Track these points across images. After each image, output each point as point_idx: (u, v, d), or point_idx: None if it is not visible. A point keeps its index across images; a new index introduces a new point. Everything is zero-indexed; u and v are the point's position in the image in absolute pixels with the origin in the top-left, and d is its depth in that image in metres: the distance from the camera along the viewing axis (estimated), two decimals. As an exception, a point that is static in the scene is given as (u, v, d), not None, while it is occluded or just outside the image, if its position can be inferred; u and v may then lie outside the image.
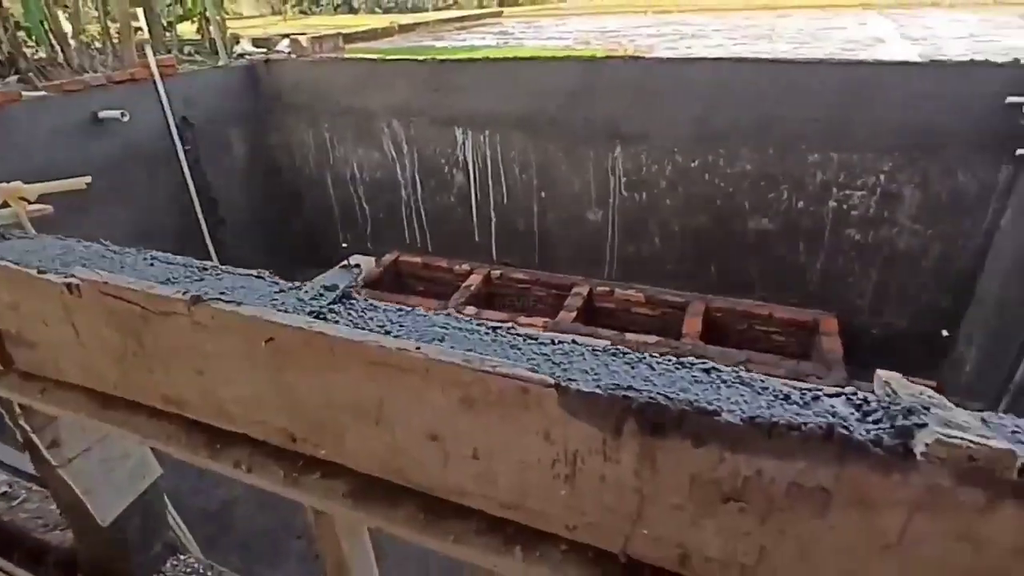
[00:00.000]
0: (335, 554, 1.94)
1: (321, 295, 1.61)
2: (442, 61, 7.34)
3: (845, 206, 6.19)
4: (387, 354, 1.31)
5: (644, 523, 1.23)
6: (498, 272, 8.14)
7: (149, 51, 7.22)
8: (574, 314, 7.19)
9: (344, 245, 8.38)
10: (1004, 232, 5.62)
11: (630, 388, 1.11)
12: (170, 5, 16.24)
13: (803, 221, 6.25)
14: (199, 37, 16.40)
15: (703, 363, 1.22)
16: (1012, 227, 5.56)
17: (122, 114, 6.47)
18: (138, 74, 7.05)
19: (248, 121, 7.96)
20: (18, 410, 2.17)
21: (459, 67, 7.42)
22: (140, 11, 14.85)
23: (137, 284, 1.62)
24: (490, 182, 7.61)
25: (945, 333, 6.35)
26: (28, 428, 2.20)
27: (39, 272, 1.78)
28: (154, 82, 7.04)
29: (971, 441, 0.89)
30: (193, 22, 16.31)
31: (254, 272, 1.80)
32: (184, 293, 1.54)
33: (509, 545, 1.38)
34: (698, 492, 1.13)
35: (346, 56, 8.40)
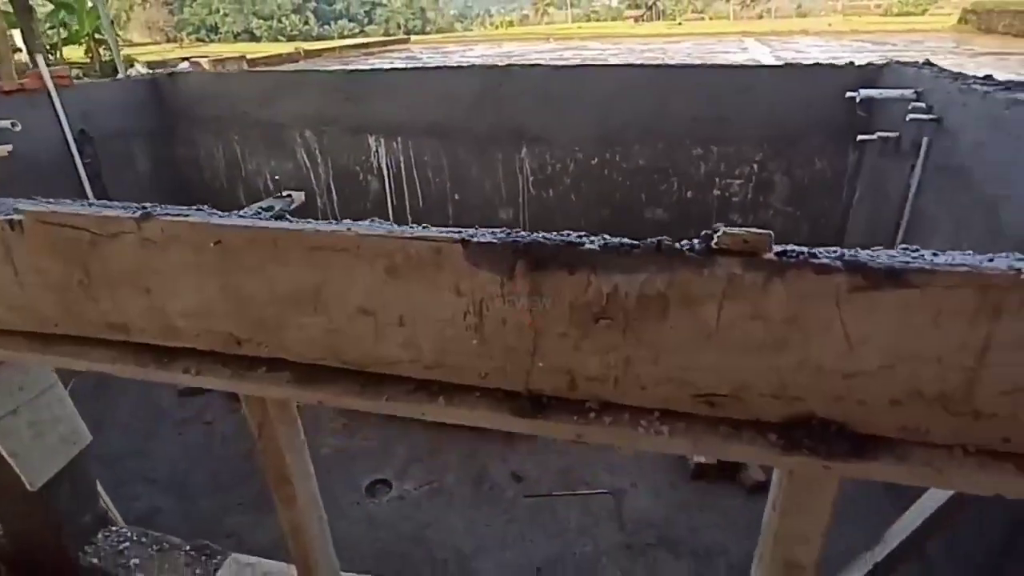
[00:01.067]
0: (277, 465, 2.13)
1: (259, 214, 1.84)
2: (351, 71, 7.60)
3: (727, 194, 7.01)
4: (323, 237, 1.57)
5: (539, 356, 1.56)
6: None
7: (41, 61, 6.98)
8: (493, 307, 7.56)
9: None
10: (855, 210, 6.57)
11: (519, 235, 1.44)
12: (53, 28, 15.45)
13: (692, 209, 7.01)
14: (88, 60, 15.64)
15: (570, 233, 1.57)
16: (859, 205, 6.52)
17: (12, 124, 6.24)
18: (29, 84, 6.80)
19: (153, 135, 7.80)
20: (-54, 364, 2.21)
21: (369, 76, 7.71)
22: (17, 32, 13.96)
23: (85, 209, 1.79)
24: (405, 187, 7.91)
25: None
26: (-44, 384, 2.24)
27: (-23, 212, 1.90)
28: (48, 93, 6.81)
29: (745, 231, 1.28)
30: (81, 44, 15.54)
31: (193, 207, 1.99)
32: (134, 212, 1.73)
33: (434, 398, 1.67)
34: (576, 316, 1.47)
35: (254, 69, 8.43)
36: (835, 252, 1.32)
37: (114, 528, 2.96)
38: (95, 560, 2.78)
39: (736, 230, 1.28)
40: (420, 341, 1.64)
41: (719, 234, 1.28)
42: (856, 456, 1.38)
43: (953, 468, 1.35)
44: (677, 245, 1.34)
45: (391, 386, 1.71)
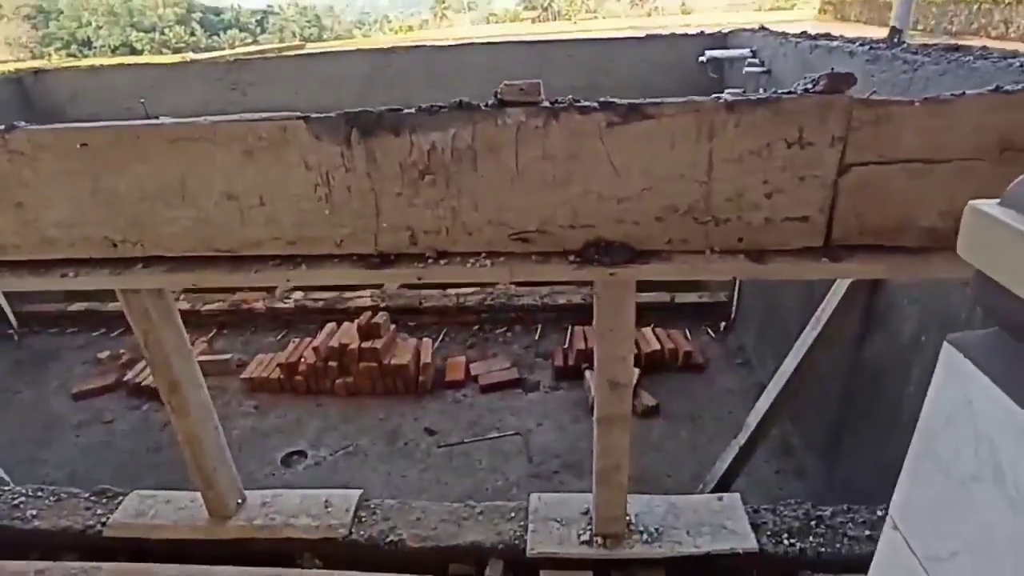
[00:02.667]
0: (166, 373, 2.29)
1: (124, 127, 2.00)
2: (234, 60, 7.55)
3: (608, 158, 7.64)
4: (182, 128, 1.78)
5: (383, 217, 1.85)
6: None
7: None
8: (398, 283, 7.81)
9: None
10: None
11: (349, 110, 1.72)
12: None
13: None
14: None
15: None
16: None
17: None
18: None
19: (22, 138, 7.41)
20: None
21: (254, 64, 7.69)
22: None
23: (-53, 128, 1.90)
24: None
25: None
26: None
27: None
28: None
29: (520, 82, 1.63)
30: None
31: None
32: (-3, 125, 1.86)
33: (297, 266, 1.92)
34: (406, 176, 1.77)
35: (131, 62, 8.16)
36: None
37: (6, 488, 2.97)
38: (-11, 515, 2.79)
39: (514, 82, 1.62)
40: (280, 217, 1.88)
41: (501, 87, 1.62)
42: (633, 262, 1.76)
43: (704, 263, 1.76)
44: (474, 102, 1.67)
45: (259, 263, 1.94)
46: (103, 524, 2.66)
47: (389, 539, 2.55)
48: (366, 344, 5.96)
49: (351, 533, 2.56)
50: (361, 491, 2.77)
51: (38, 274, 2.03)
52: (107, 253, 2.01)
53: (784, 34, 5.44)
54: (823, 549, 2.40)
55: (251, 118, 1.75)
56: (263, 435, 5.73)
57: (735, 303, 6.58)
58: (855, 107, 1.57)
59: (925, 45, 3.29)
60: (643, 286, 7.14)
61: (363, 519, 2.65)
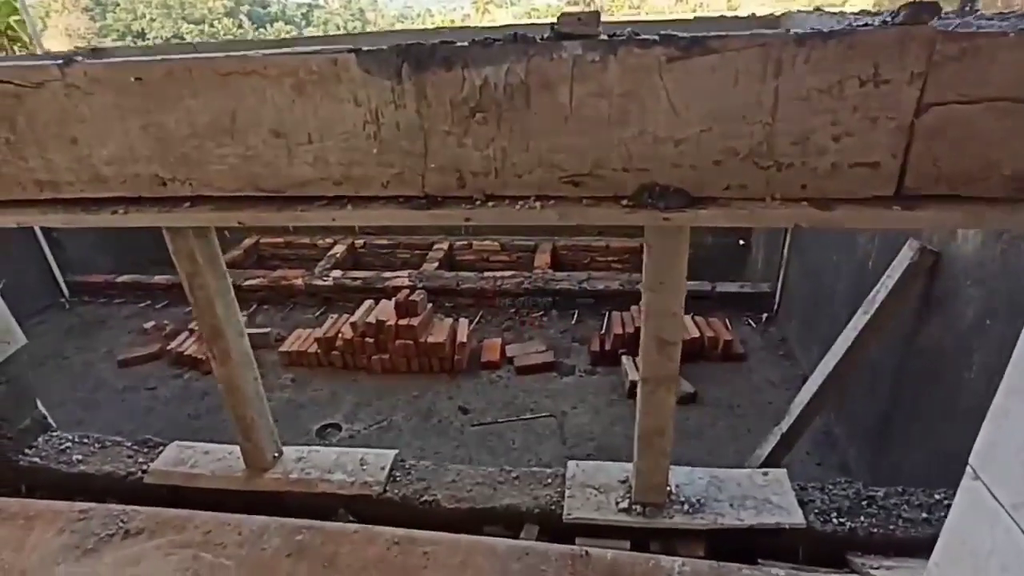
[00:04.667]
0: (210, 319, 2.31)
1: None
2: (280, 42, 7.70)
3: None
4: (233, 62, 1.77)
5: (431, 157, 1.81)
6: (361, 241, 8.52)
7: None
8: (436, 264, 7.79)
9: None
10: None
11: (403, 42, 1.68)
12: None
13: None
14: None
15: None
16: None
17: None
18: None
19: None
20: None
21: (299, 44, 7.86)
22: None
23: (8, 62, 1.94)
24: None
25: (741, 242, 7.77)
26: None
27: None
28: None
29: (581, 12, 1.56)
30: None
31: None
32: (56, 60, 1.89)
33: (343, 207, 1.89)
34: (457, 113, 1.73)
35: (182, 43, 8.40)
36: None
37: (55, 433, 3.05)
38: (37, 460, 2.86)
39: (572, 11, 1.56)
40: (328, 156, 1.86)
41: (558, 17, 1.56)
42: (689, 207, 1.69)
43: (764, 210, 1.67)
44: (530, 35, 1.61)
45: (304, 203, 1.92)
46: (144, 471, 2.70)
47: (423, 499, 2.53)
48: (403, 321, 5.98)
49: (385, 491, 2.54)
50: (397, 451, 2.76)
51: (91, 211, 2.06)
52: (156, 192, 2.02)
53: (842, 13, 5.24)
54: (875, 530, 2.28)
55: (302, 51, 1.73)
56: (299, 408, 5.81)
57: (778, 293, 6.38)
58: (939, 39, 1.46)
59: (1001, 13, 3.10)
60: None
61: (398, 478, 2.63)
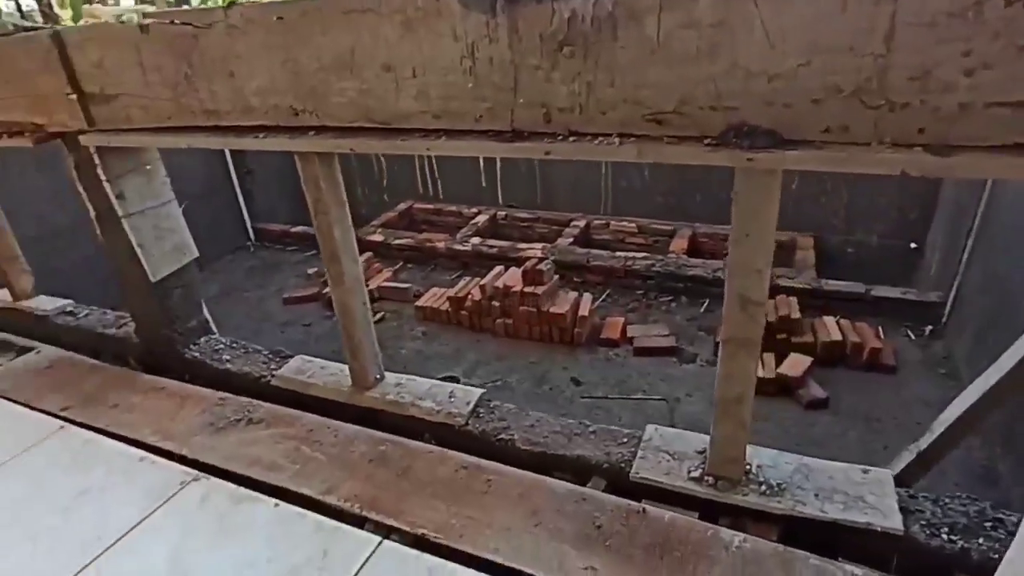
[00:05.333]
0: (329, 243, 2.58)
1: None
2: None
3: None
4: (354, 0, 1.96)
5: (520, 93, 1.86)
6: (503, 213, 8.84)
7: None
8: (571, 240, 7.84)
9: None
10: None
11: (497, -25, 1.74)
12: None
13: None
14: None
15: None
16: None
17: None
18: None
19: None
20: (97, 161, 2.86)
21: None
22: None
23: (188, 8, 2.31)
24: (493, 128, 8.38)
25: (913, 245, 6.80)
26: (104, 178, 2.89)
27: (119, 21, 2.49)
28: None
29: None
30: None
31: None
32: (222, 3, 2.22)
33: (438, 137, 2.02)
34: (545, 47, 1.75)
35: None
36: (755, -45, 1.50)
37: (214, 336, 3.62)
38: (197, 355, 3.42)
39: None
40: (429, 90, 1.99)
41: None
42: (778, 147, 1.56)
43: (865, 154, 1.50)
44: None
45: (407, 135, 2.08)
46: (272, 375, 3.10)
47: (501, 436, 2.62)
48: (528, 289, 6.13)
49: (467, 424, 2.68)
50: (484, 391, 2.88)
51: (239, 136, 2.40)
52: (290, 121, 2.30)
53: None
54: (996, 556, 1.95)
55: (411, -12, 1.86)
56: (425, 358, 6.23)
57: (950, 304, 5.55)
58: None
59: None
60: (832, 267, 6.32)
61: (481, 414, 2.75)
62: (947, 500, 2.16)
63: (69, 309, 4.00)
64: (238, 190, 9.07)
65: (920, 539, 2.03)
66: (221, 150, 8.68)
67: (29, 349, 3.71)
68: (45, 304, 4.04)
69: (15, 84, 2.86)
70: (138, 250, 3.07)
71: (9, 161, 6.13)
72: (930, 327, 5.69)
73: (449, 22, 1.85)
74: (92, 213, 3.10)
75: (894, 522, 2.02)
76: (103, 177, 2.90)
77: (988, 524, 2.05)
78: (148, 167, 3.06)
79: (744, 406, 2.07)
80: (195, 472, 2.38)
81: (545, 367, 5.91)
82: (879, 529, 2.01)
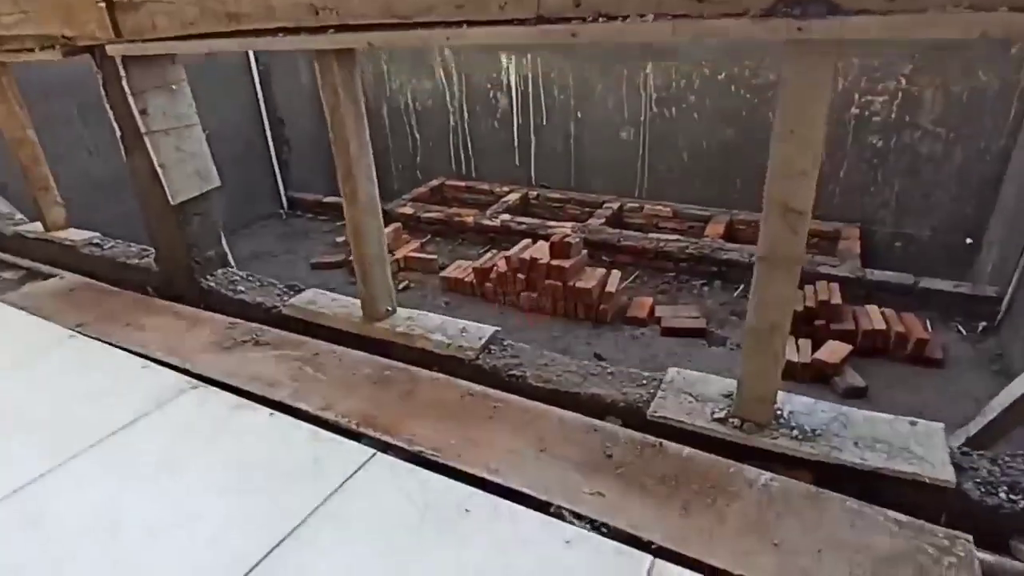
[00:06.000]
0: (345, 159, 2.48)
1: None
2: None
3: (867, 112, 6.38)
4: None
5: (548, -29, 1.71)
6: (535, 193, 8.69)
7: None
8: (602, 221, 7.64)
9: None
10: (1025, 131, 5.70)
11: None
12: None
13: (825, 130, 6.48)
14: None
15: None
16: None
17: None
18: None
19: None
20: (123, 73, 2.82)
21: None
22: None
23: (215, -102, 2.23)
24: (531, 105, 8.21)
25: (969, 241, 6.38)
26: (128, 91, 2.85)
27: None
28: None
29: None
30: None
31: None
32: None
33: (459, 27, 1.89)
34: (579, -86, 1.61)
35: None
36: None
37: (231, 269, 3.57)
38: (213, 284, 3.37)
39: None
40: (451, -31, 1.86)
41: None
42: (831, 14, 1.38)
43: (939, 17, 1.31)
44: None
45: (425, 27, 1.95)
46: (284, 304, 3.02)
47: (512, 372, 2.48)
48: (555, 262, 5.97)
49: (477, 358, 2.54)
50: (498, 328, 2.74)
51: (260, 36, 2.31)
52: (310, 21, 2.21)
53: None
54: (1062, 519, 1.72)
55: None
56: (446, 327, 6.13)
57: (1007, 300, 5.18)
58: None
59: None
60: (878, 262, 5.99)
61: (493, 351, 2.61)
62: (1007, 458, 1.93)
63: (96, 241, 4.02)
64: (274, 159, 9.15)
65: (974, 496, 1.81)
66: (259, 113, 8.77)
67: (56, 277, 3.73)
68: (74, 236, 4.07)
69: (48, -6, 2.85)
70: (159, 170, 3.03)
71: (53, 114, 6.26)
72: (983, 323, 5.33)
73: None
74: (118, 132, 3.07)
75: (945, 474, 1.80)
76: (128, 91, 2.86)
77: (1052, 485, 1.82)
78: (174, 86, 3.02)
79: (778, 337, 1.88)
80: (195, 381, 2.31)
81: (567, 341, 5.74)
82: (927, 480, 1.79)
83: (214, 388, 2.27)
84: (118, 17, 2.73)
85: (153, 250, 3.60)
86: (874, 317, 5.18)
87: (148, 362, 2.47)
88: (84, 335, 2.79)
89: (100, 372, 2.41)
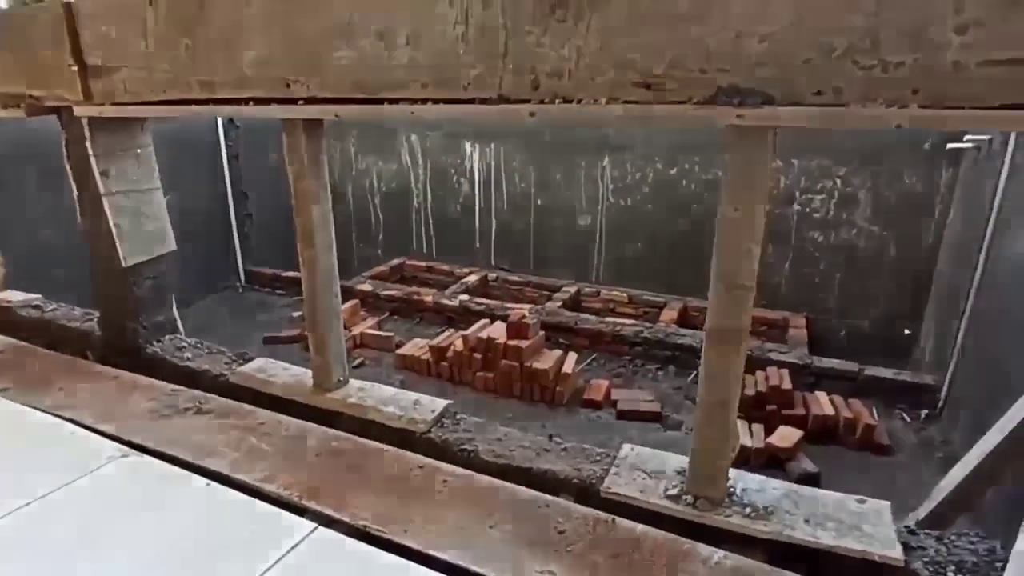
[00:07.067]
0: (305, 220, 2.50)
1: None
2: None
3: (808, 209, 6.87)
4: (356, -35, 1.99)
5: (509, 58, 1.85)
6: (494, 275, 8.81)
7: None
8: (560, 304, 7.76)
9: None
10: (951, 227, 6.18)
11: (498, -62, 1.78)
12: None
13: (772, 225, 6.92)
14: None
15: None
16: (955, 222, 6.14)
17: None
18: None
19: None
20: (87, 135, 2.83)
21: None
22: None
23: (198, -22, 2.35)
24: (492, 190, 8.51)
25: (907, 331, 6.72)
26: (91, 152, 2.85)
27: (131, -6, 2.54)
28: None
29: None
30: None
31: None
32: (230, -27, 2.26)
33: (423, 103, 1.99)
34: (538, 11, 1.76)
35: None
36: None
37: (180, 336, 3.44)
38: (159, 351, 3.23)
39: None
40: (420, 59, 1.98)
41: None
42: (766, 103, 1.52)
43: (860, 113, 1.45)
44: (613, -78, 1.62)
45: (394, 105, 2.05)
46: (232, 372, 2.92)
47: (464, 447, 2.42)
48: (512, 342, 5.97)
49: (429, 431, 2.48)
50: (451, 402, 2.70)
51: (232, 105, 2.38)
52: (283, 92, 2.29)
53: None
54: (1008, 597, 1.73)
55: (412, -47, 1.89)
56: (401, 406, 5.97)
57: (946, 388, 5.39)
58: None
59: None
60: (824, 349, 6.17)
61: (445, 424, 2.56)
62: (953, 537, 1.95)
63: (36, 303, 3.85)
64: (235, 232, 9.09)
65: (922, 573, 1.81)
66: (224, 188, 8.81)
67: (-15, 340, 3.52)
68: (11, 297, 3.89)
69: (18, 55, 2.89)
70: (114, 230, 2.98)
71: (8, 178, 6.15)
72: (926, 411, 5.50)
73: (447, -16, 1.87)
74: (74, 192, 3.04)
75: (894, 552, 1.80)
76: (91, 151, 2.86)
77: (1000, 564, 1.83)
78: (139, 151, 3.03)
79: (729, 412, 1.91)
80: (126, 449, 2.16)
81: (522, 423, 5.62)
82: (877, 558, 1.79)
83: (148, 457, 2.13)
84: (90, 81, 2.77)
85: (97, 313, 3.47)
86: (823, 403, 5.29)
87: (77, 428, 2.31)
88: (6, 399, 2.62)
89: (22, 437, 2.25)
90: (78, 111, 2.79)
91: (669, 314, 7.30)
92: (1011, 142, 4.72)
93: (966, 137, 5.48)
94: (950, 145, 5.80)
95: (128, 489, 1.94)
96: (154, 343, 3.27)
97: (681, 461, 2.21)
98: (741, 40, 1.55)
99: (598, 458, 2.34)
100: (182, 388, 2.81)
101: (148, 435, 2.35)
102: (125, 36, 2.58)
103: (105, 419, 2.49)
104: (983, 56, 1.36)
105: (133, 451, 2.15)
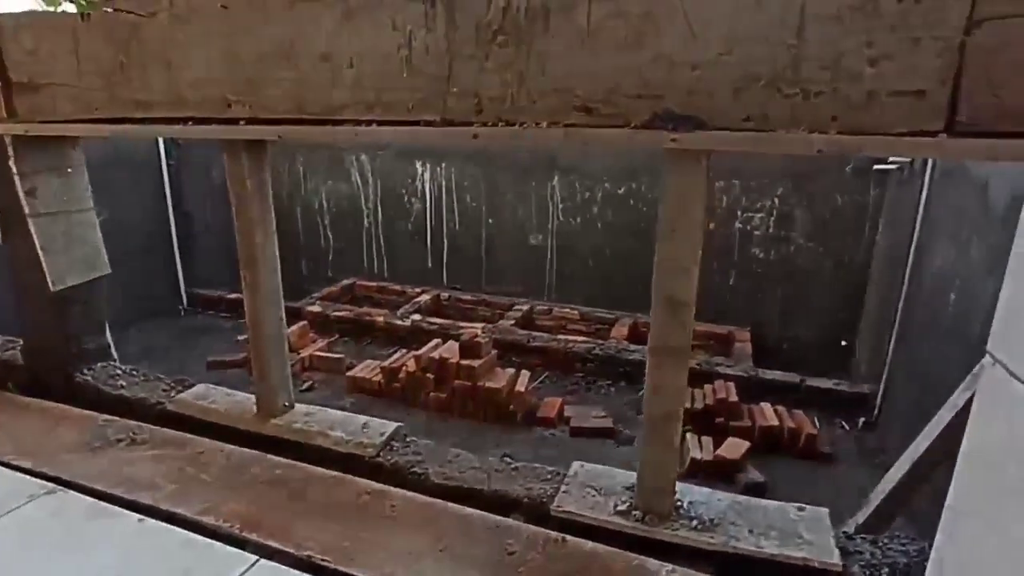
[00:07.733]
0: (248, 244, 2.44)
1: None
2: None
3: (749, 227, 7.17)
4: (299, -12, 1.98)
5: (453, 82, 1.87)
6: (447, 294, 8.78)
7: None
8: (512, 322, 7.78)
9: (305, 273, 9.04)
10: (880, 243, 6.56)
11: (440, -35, 1.80)
12: None
13: (715, 242, 7.18)
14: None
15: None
16: (883, 239, 6.52)
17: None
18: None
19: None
20: (10, 152, 2.69)
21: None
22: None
23: (134, -4, 2.30)
24: (444, 210, 8.52)
25: (844, 343, 7.05)
26: (15, 171, 2.71)
27: (57, 11, 2.45)
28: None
29: (603, -73, 1.60)
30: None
31: None
32: (168, -8, 2.22)
33: (368, 125, 1.98)
34: (480, 36, 1.79)
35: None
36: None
37: (113, 363, 3.27)
38: (89, 379, 3.06)
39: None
40: (364, 80, 1.98)
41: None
42: (699, 128, 1.59)
43: (785, 137, 1.53)
44: (552, -46, 1.67)
45: (337, 127, 2.04)
46: (170, 400, 2.80)
47: (414, 470, 2.39)
48: (465, 361, 5.95)
49: (378, 455, 2.44)
50: (401, 424, 2.66)
51: (169, 126, 2.31)
52: (222, 112, 2.24)
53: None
54: (936, 596, 1.81)
55: (355, -22, 1.90)
56: (352, 429, 5.84)
57: (880, 396, 5.66)
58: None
59: None
60: (768, 361, 6.40)
61: (395, 447, 2.52)
62: (886, 540, 2.04)
63: (-46, 334, 3.60)
64: (177, 253, 8.78)
65: (858, 577, 1.88)
66: (165, 206, 8.52)
67: None
68: (-77, 327, 3.63)
69: (-63, 71, 2.74)
70: (41, 253, 2.83)
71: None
72: (863, 419, 5.75)
73: (389, 11, 1.88)
74: (-4, 212, 2.88)
75: (832, 557, 1.87)
76: (14, 170, 2.72)
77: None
78: (69, 169, 2.90)
79: (673, 425, 1.95)
80: (51, 486, 2.04)
81: (475, 443, 5.59)
82: (816, 565, 1.85)
83: (75, 492, 2.01)
84: (14, 99, 2.65)
85: (20, 341, 3.28)
86: (768, 414, 5.47)
87: (-5, 466, 2.17)
88: (-81, 437, 2.44)
89: (-68, 478, 2.09)
90: (0, 129, 2.65)
91: (620, 330, 7.42)
92: (928, 164, 5.07)
93: (890, 159, 5.83)
94: (876, 166, 6.16)
95: (51, 528, 1.83)
96: (85, 371, 3.10)
97: (630, 477, 2.23)
98: (675, 68, 1.62)
99: (549, 477, 2.35)
100: (115, 418, 2.68)
101: (76, 470, 2.22)
102: (54, 51, 2.48)
103: (27, 454, 2.34)
104: (893, 87, 1.46)
105: (60, 487, 2.03)
